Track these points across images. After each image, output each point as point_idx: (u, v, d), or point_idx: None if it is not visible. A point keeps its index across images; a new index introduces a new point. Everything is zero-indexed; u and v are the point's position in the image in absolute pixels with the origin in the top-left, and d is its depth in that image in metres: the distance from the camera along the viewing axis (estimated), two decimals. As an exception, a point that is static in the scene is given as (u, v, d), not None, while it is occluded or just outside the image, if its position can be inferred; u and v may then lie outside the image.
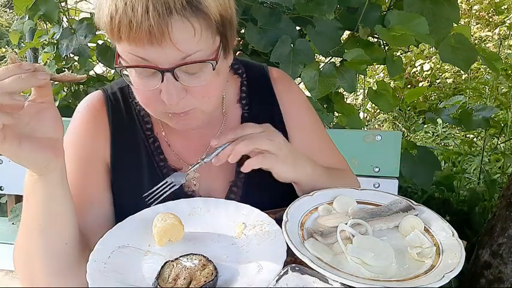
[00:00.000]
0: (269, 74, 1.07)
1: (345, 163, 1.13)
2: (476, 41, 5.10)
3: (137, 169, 0.97)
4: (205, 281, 0.66)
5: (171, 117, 0.84)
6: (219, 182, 0.99)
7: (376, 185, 1.66)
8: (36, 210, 0.76)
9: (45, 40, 2.33)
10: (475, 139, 3.66)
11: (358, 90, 4.15)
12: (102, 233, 0.78)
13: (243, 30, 1.75)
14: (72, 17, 2.23)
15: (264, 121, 1.00)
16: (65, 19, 2.22)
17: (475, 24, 5.43)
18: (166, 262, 0.71)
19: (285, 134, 1.03)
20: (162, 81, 0.76)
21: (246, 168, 0.85)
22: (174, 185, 0.87)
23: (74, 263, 0.80)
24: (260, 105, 1.03)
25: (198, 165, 0.86)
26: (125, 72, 0.80)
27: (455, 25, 1.72)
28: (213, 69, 0.79)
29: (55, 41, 2.23)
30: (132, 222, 0.82)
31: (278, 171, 0.87)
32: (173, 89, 0.76)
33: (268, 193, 0.94)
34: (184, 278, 0.67)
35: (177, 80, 0.76)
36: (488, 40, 5.15)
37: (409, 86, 4.73)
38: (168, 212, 0.80)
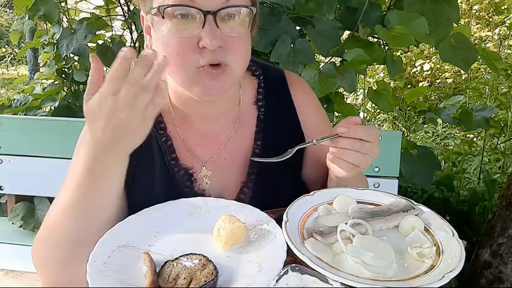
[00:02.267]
0: (286, 77, 1.08)
1: None
2: (476, 41, 5.11)
3: (149, 166, 0.98)
4: (205, 281, 0.66)
5: (202, 77, 0.84)
6: (230, 182, 1.00)
7: (376, 185, 1.66)
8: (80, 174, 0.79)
9: (45, 40, 2.34)
10: (475, 139, 3.66)
11: (358, 90, 4.16)
12: (110, 225, 0.80)
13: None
14: (72, 17, 2.24)
15: (279, 124, 1.03)
16: (65, 19, 2.23)
17: (475, 24, 5.43)
18: (167, 262, 0.71)
19: (302, 138, 1.04)
20: (203, 26, 0.79)
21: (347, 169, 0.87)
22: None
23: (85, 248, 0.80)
24: (276, 108, 1.04)
25: (310, 143, 0.87)
26: (164, 14, 0.81)
27: (455, 25, 1.72)
28: (254, 16, 0.85)
29: (55, 41, 2.24)
30: (133, 222, 0.82)
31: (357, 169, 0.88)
32: (214, 33, 0.79)
33: (277, 193, 0.96)
34: (185, 278, 0.67)
35: (218, 27, 0.80)
36: (488, 40, 5.16)
37: (409, 86, 4.74)
38: (228, 214, 0.80)
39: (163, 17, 0.81)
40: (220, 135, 1.01)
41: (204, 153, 1.00)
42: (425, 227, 0.78)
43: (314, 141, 0.86)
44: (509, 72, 4.37)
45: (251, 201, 0.96)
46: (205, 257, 0.71)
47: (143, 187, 0.96)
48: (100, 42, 2.24)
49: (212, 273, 0.68)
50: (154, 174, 0.98)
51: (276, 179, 1.00)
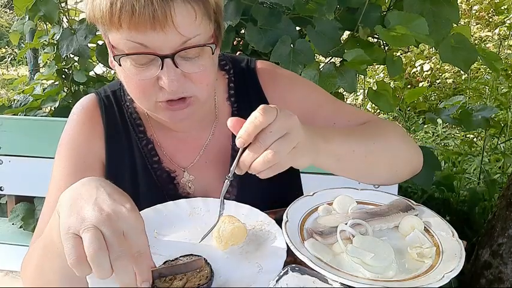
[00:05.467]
0: (255, 66, 1.04)
1: (368, 115, 1.01)
2: (476, 41, 5.10)
3: (131, 171, 0.97)
4: (198, 284, 0.66)
5: (165, 109, 0.82)
6: (214, 184, 0.98)
7: (376, 185, 1.66)
8: (56, 236, 0.73)
9: (45, 41, 2.34)
10: (475, 139, 3.66)
11: (358, 90, 4.15)
12: None
13: (243, 30, 1.75)
14: (72, 18, 2.24)
15: None
16: (65, 20, 2.23)
17: (475, 24, 5.43)
18: (166, 261, 0.71)
19: None
20: (162, 68, 0.76)
21: (264, 176, 0.71)
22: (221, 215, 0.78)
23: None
24: (248, 101, 1.01)
25: (228, 183, 0.74)
26: (120, 61, 0.78)
27: (455, 25, 1.72)
28: (213, 53, 0.80)
29: (55, 42, 2.24)
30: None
31: (297, 165, 0.73)
32: (173, 75, 0.76)
33: (262, 191, 0.93)
34: (181, 279, 0.67)
35: (177, 67, 0.77)
36: (488, 40, 5.15)
37: (409, 86, 4.73)
38: (228, 215, 0.79)
39: (120, 65, 0.78)
40: (199, 140, 1.00)
41: (184, 159, 0.99)
42: (425, 227, 0.78)
43: (227, 178, 0.72)
44: (509, 72, 4.37)
45: (236, 198, 0.96)
46: (205, 259, 0.71)
47: (126, 191, 0.95)
48: (100, 42, 2.24)
49: (206, 277, 0.67)
50: (138, 179, 0.97)
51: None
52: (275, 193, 0.86)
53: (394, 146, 0.92)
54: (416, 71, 4.81)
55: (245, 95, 1.02)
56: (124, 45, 0.75)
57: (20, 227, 1.89)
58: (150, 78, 0.78)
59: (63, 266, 0.74)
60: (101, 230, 0.59)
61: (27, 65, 4.83)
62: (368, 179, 0.94)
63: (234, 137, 0.98)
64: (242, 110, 1.01)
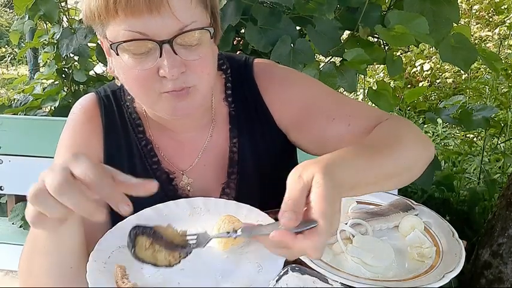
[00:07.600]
0: (251, 64, 1.02)
1: (373, 112, 0.93)
2: (476, 41, 5.10)
3: (130, 171, 0.96)
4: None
5: (168, 100, 0.81)
6: (211, 184, 0.98)
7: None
8: (41, 234, 0.74)
9: (45, 40, 2.34)
10: (475, 139, 3.66)
11: (358, 90, 4.15)
12: (101, 234, 0.78)
13: (243, 30, 1.75)
14: (72, 17, 2.24)
15: (250, 116, 0.98)
16: (65, 19, 2.23)
17: (475, 24, 5.43)
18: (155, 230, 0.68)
19: (275, 127, 0.98)
20: (161, 56, 0.76)
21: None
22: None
23: (81, 282, 0.79)
24: (245, 102, 1.00)
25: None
26: (118, 51, 0.78)
27: (455, 25, 1.72)
28: (211, 37, 0.81)
29: (55, 41, 2.24)
30: (133, 222, 0.82)
31: None
32: (173, 61, 0.76)
33: (260, 192, 0.93)
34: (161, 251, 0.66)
35: (176, 54, 0.76)
36: (488, 40, 5.15)
37: (409, 86, 4.73)
38: (228, 215, 0.79)
39: (117, 54, 0.78)
40: (197, 142, 0.99)
41: (182, 162, 0.99)
42: (425, 227, 0.78)
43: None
44: (509, 72, 4.37)
45: (236, 200, 0.95)
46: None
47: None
48: (100, 42, 2.24)
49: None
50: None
51: (259, 179, 0.98)
52: (275, 193, 0.86)
53: (413, 157, 0.79)
54: (416, 70, 4.82)
55: (241, 94, 1.00)
56: (122, 35, 0.75)
57: (20, 227, 1.89)
58: (150, 68, 0.77)
59: (48, 263, 0.76)
60: (44, 180, 0.64)
61: (27, 64, 4.83)
62: (380, 191, 0.82)
63: (231, 138, 0.99)
64: (239, 110, 1.00)
